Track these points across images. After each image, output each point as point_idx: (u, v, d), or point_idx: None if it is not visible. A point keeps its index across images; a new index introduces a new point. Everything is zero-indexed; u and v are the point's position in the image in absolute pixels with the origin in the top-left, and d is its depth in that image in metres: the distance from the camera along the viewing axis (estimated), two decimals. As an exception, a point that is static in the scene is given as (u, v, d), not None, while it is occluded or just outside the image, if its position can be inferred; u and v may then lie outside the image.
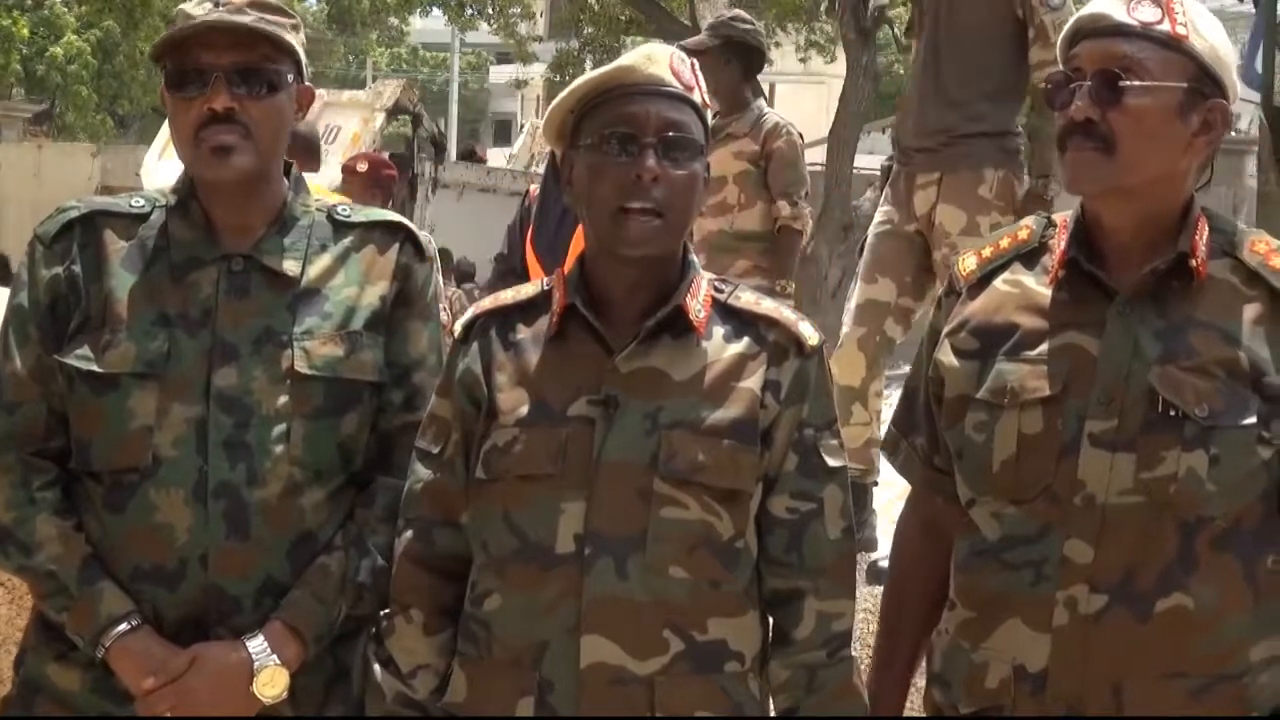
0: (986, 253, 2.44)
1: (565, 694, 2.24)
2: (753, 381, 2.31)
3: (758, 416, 2.30)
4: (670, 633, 2.25)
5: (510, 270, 6.06)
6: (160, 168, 12.63)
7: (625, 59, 2.34)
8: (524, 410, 2.31)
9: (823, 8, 17.92)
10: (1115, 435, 2.23)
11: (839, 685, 2.34)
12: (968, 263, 2.45)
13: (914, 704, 2.63)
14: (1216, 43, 2.31)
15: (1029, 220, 2.47)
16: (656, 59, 2.32)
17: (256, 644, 2.40)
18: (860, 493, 4.73)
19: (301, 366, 2.46)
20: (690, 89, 2.33)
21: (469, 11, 20.91)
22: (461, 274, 12.67)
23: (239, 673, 2.38)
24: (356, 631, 2.54)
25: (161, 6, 17.97)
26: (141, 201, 2.57)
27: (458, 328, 2.43)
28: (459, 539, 2.37)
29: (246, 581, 2.42)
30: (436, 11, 22.53)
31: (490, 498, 2.31)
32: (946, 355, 2.38)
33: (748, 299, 2.38)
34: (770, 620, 2.37)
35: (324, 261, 2.54)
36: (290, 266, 2.51)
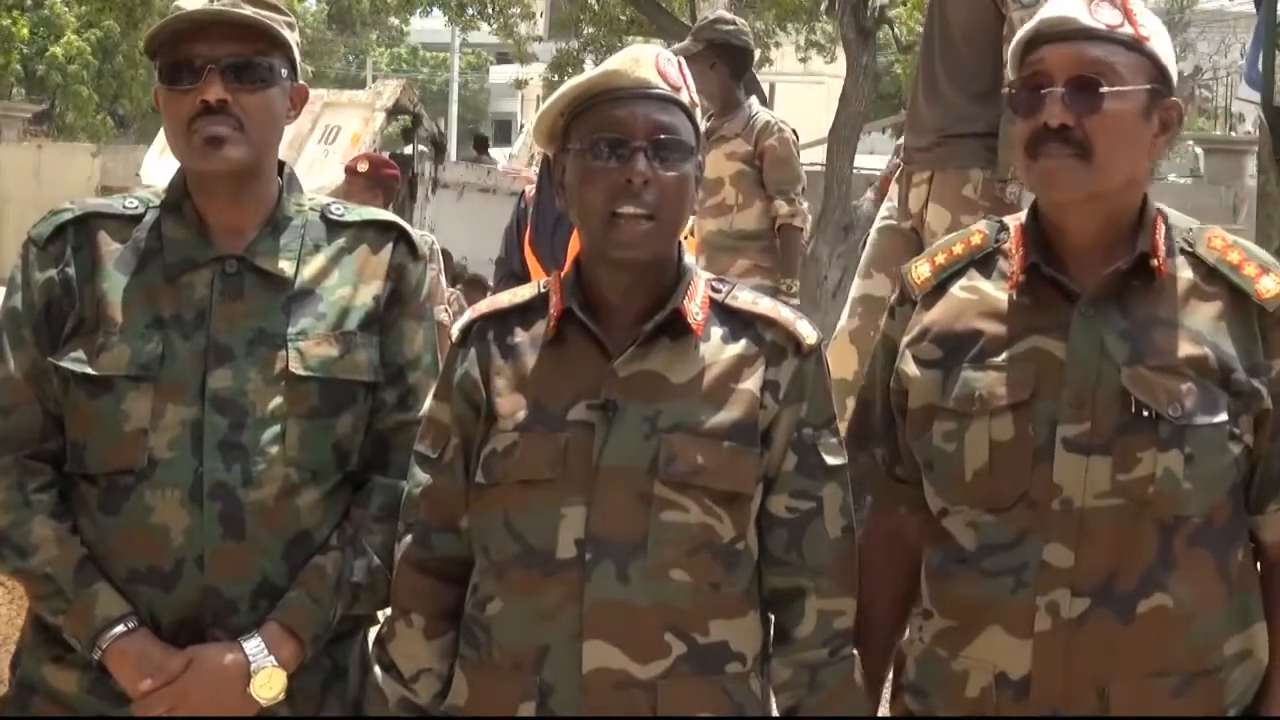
0: (940, 259, 2.43)
1: (567, 698, 2.24)
2: (751, 382, 2.31)
3: (757, 417, 2.30)
4: (672, 636, 2.25)
5: (510, 274, 6.07)
6: (160, 167, 12.61)
7: (611, 63, 2.34)
8: (523, 415, 2.30)
9: (823, 8, 17.88)
10: (1089, 438, 2.23)
11: (841, 683, 2.34)
12: (921, 270, 2.44)
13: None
14: (1165, 41, 2.33)
15: (981, 225, 2.46)
16: (643, 61, 2.32)
17: (253, 645, 2.39)
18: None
19: (296, 367, 2.46)
20: (678, 89, 2.32)
21: (469, 11, 20.89)
22: (455, 277, 12.66)
23: (236, 674, 2.38)
24: (353, 631, 2.54)
25: (161, 6, 17.96)
26: (135, 203, 2.56)
27: (455, 331, 2.43)
28: (459, 543, 2.37)
29: (242, 583, 2.42)
30: (436, 11, 22.52)
31: (490, 502, 2.30)
32: (909, 365, 2.37)
33: (745, 299, 2.38)
34: (771, 619, 2.37)
35: (318, 262, 2.54)
36: (284, 267, 2.51)
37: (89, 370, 2.44)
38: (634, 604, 2.23)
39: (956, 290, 2.38)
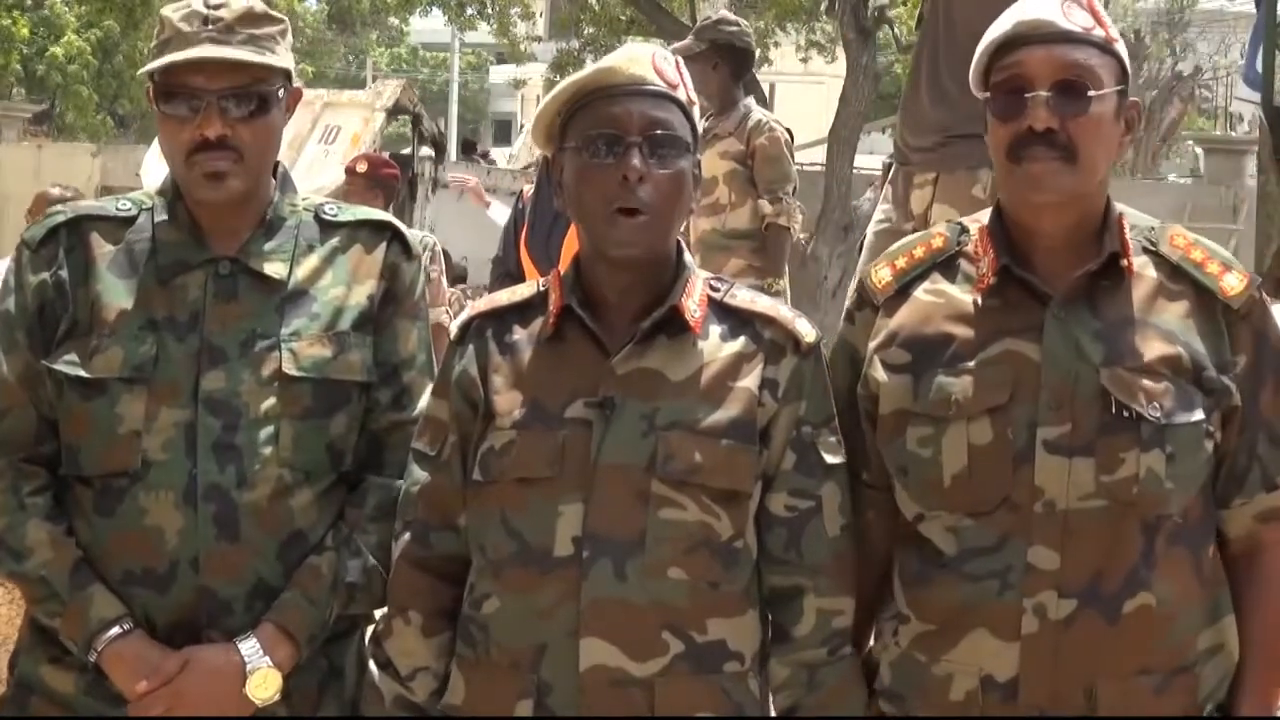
0: (901, 263, 2.42)
1: (564, 696, 2.24)
2: (750, 380, 2.31)
3: (755, 415, 2.30)
4: (669, 634, 2.24)
5: (506, 273, 6.08)
6: (160, 167, 12.56)
7: (607, 60, 2.34)
8: (521, 412, 2.30)
9: (823, 8, 17.88)
10: (1070, 440, 2.24)
11: (839, 683, 2.34)
12: (881, 274, 2.43)
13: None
14: (1121, 41, 2.36)
15: (941, 227, 2.47)
16: (638, 59, 2.32)
17: (249, 646, 2.39)
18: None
19: (290, 368, 2.46)
20: (674, 86, 2.32)
21: (469, 11, 20.89)
22: (454, 277, 12.66)
23: (232, 675, 2.38)
24: (349, 631, 2.54)
25: (161, 6, 17.88)
26: (128, 204, 2.56)
27: (453, 329, 2.42)
28: (457, 541, 2.36)
29: (237, 584, 2.42)
30: (436, 11, 22.51)
31: (488, 500, 2.30)
32: (878, 371, 2.36)
33: (744, 297, 2.37)
34: (770, 618, 2.36)
35: (311, 262, 2.54)
36: (277, 269, 2.50)
37: (82, 373, 2.43)
38: (631, 602, 2.22)
39: (920, 294, 2.38)
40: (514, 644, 2.27)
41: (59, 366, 2.45)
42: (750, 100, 6.28)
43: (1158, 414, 2.24)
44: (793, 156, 6.25)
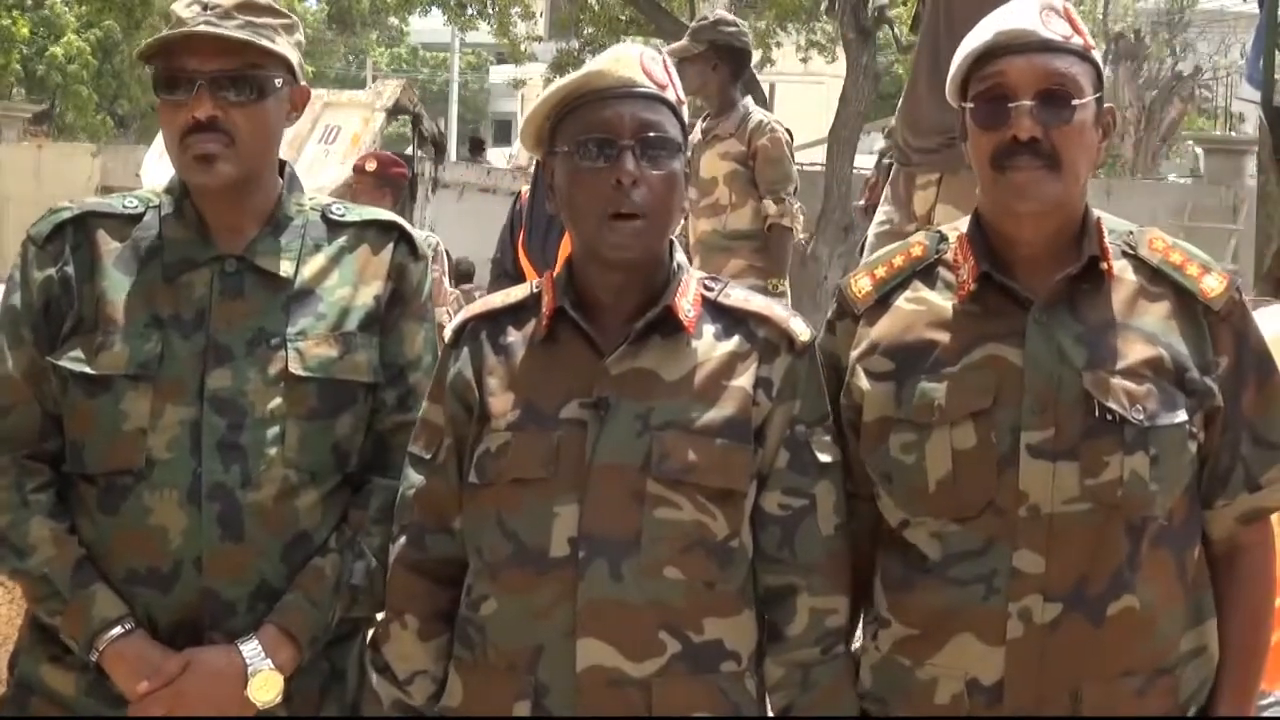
0: (881, 273, 2.43)
1: (562, 697, 2.24)
2: (744, 380, 2.31)
3: (750, 415, 2.30)
4: (666, 634, 2.25)
5: (504, 272, 6.08)
6: (160, 167, 12.59)
7: (595, 63, 2.34)
8: (515, 414, 2.30)
9: (823, 8, 17.90)
10: (1054, 444, 2.25)
11: (833, 683, 2.34)
12: (861, 284, 2.43)
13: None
14: (1096, 49, 2.37)
15: (920, 236, 2.47)
16: (626, 60, 2.32)
17: (250, 648, 2.39)
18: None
19: (295, 368, 2.46)
20: (663, 87, 2.32)
21: (469, 11, 20.89)
22: (461, 274, 12.67)
23: (233, 676, 2.38)
24: (351, 634, 2.53)
25: (161, 6, 17.95)
26: (135, 202, 2.56)
27: (447, 333, 2.42)
28: (453, 544, 2.37)
29: (240, 584, 2.42)
30: (436, 11, 22.50)
31: (483, 502, 2.30)
32: (860, 380, 2.37)
33: (738, 296, 2.38)
34: (765, 618, 2.36)
35: (318, 262, 2.54)
36: (284, 267, 2.50)
37: (87, 370, 2.43)
38: (628, 602, 2.23)
39: (901, 302, 2.39)
40: (511, 645, 2.27)
41: (64, 363, 2.45)
42: (749, 100, 6.29)
43: (1141, 416, 2.25)
44: (793, 157, 6.25)
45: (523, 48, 22.06)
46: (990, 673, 2.26)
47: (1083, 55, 2.32)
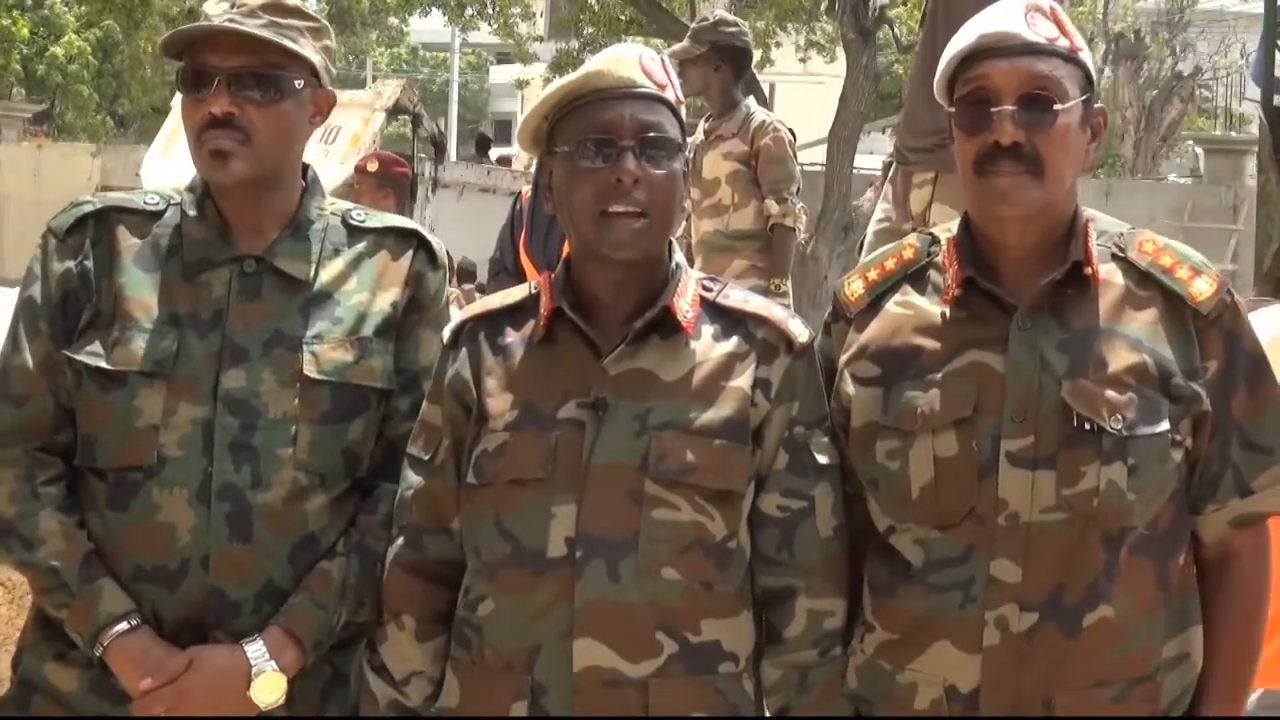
0: (873, 275, 2.43)
1: (559, 698, 2.24)
2: (743, 380, 2.31)
3: (748, 415, 2.30)
4: (664, 635, 2.25)
5: (503, 270, 6.08)
6: (161, 166, 12.59)
7: (595, 63, 2.34)
8: (513, 414, 2.31)
9: (823, 8, 17.90)
10: (1034, 452, 2.24)
11: (830, 685, 2.35)
12: (854, 287, 2.43)
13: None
14: (1087, 48, 2.35)
15: (912, 239, 2.46)
16: (626, 61, 2.32)
17: (255, 649, 2.40)
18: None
19: (310, 371, 2.46)
20: (663, 87, 2.33)
21: (469, 11, 20.88)
22: (463, 273, 12.67)
23: (236, 677, 2.38)
24: (356, 638, 2.52)
25: (161, 6, 17.91)
26: (156, 199, 2.56)
27: (445, 334, 2.42)
28: (450, 545, 2.37)
29: (247, 585, 2.42)
30: (436, 11, 22.50)
31: (481, 502, 2.31)
32: (848, 385, 2.37)
33: (736, 297, 2.38)
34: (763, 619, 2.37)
35: (336, 266, 2.54)
36: (302, 270, 2.51)
37: (103, 364, 2.44)
38: (625, 602, 2.23)
39: (891, 306, 2.38)
40: (508, 646, 2.28)
41: (80, 357, 2.45)
42: (752, 101, 6.29)
43: (1119, 426, 2.23)
44: (796, 156, 6.25)
45: (526, 47, 22.05)
46: (967, 680, 2.26)
47: (1068, 57, 2.30)
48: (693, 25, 6.54)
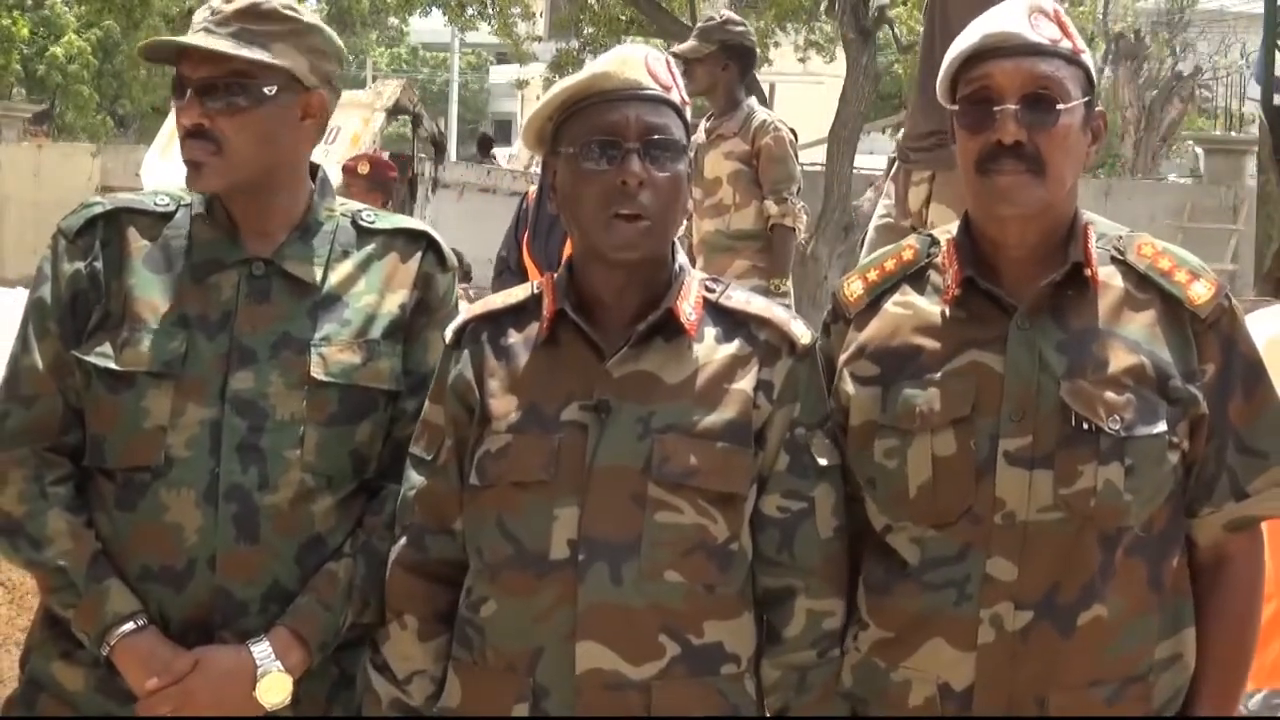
0: (872, 276, 2.44)
1: (561, 700, 2.25)
2: (745, 383, 2.31)
3: (751, 418, 2.31)
4: (666, 637, 2.25)
5: (506, 269, 6.09)
6: (161, 167, 12.60)
7: (600, 64, 2.33)
8: (516, 416, 2.31)
9: (823, 8, 17.89)
10: (1031, 452, 2.25)
11: (828, 685, 2.35)
12: (854, 287, 2.44)
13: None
14: (1088, 51, 2.36)
15: (912, 239, 2.47)
16: (632, 62, 2.32)
17: (261, 649, 2.40)
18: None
19: (318, 373, 2.47)
20: (668, 89, 2.33)
21: (469, 11, 20.88)
22: (461, 274, 12.69)
23: (242, 677, 2.39)
24: (362, 639, 2.51)
25: (161, 6, 17.91)
26: (166, 200, 2.57)
27: (448, 334, 2.42)
28: (453, 545, 2.37)
29: (254, 585, 2.43)
30: (436, 11, 22.49)
31: (484, 504, 2.31)
32: (847, 384, 2.38)
33: (739, 299, 2.38)
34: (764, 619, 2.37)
35: (345, 268, 2.55)
36: (310, 273, 2.51)
37: (112, 365, 2.44)
38: (628, 605, 2.23)
39: (890, 306, 2.39)
40: (510, 647, 2.28)
41: (89, 358, 2.46)
42: (753, 100, 6.30)
43: (1117, 426, 2.23)
44: (797, 156, 6.26)
45: (526, 48, 22.05)
46: (961, 678, 2.27)
47: (1071, 59, 2.31)
48: (700, 24, 6.54)
